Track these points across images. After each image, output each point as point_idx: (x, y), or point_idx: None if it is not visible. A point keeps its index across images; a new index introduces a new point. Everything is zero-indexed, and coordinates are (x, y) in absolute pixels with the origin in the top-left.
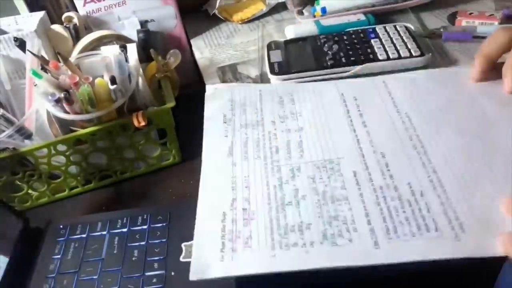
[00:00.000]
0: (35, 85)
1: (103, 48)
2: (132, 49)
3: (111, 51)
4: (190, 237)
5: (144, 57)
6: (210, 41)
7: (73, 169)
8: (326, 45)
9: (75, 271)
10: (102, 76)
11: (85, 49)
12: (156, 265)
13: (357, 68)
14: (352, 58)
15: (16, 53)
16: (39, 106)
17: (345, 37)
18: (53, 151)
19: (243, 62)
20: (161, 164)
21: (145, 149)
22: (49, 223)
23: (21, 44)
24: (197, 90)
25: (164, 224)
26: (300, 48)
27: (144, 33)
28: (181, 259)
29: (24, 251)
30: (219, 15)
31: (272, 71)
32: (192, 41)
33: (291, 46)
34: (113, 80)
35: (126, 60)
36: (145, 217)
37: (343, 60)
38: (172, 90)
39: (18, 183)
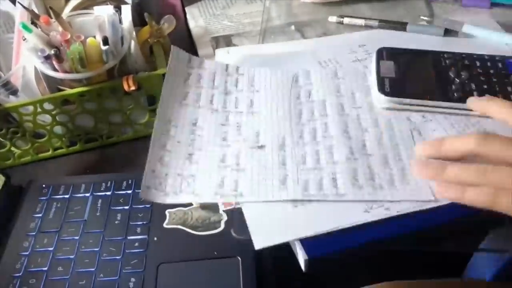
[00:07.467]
0: (24, 40)
1: (96, 8)
2: (126, 10)
3: (105, 11)
4: (174, 204)
5: (138, 21)
6: (206, 10)
7: (58, 129)
8: (452, 68)
9: (56, 231)
10: (94, 37)
11: (77, 7)
12: (139, 229)
13: None
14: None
15: (6, 5)
16: (27, 62)
17: (477, 63)
18: (39, 109)
19: (238, 34)
20: (149, 131)
21: (134, 114)
22: (31, 182)
23: None
24: None
25: None
26: (418, 64)
27: None
28: (164, 225)
29: (4, 207)
30: None
31: (382, 89)
32: (187, 9)
33: (408, 58)
34: (105, 41)
35: (120, 22)
36: (130, 182)
37: (475, 95)
38: (164, 56)
39: (1, 139)
